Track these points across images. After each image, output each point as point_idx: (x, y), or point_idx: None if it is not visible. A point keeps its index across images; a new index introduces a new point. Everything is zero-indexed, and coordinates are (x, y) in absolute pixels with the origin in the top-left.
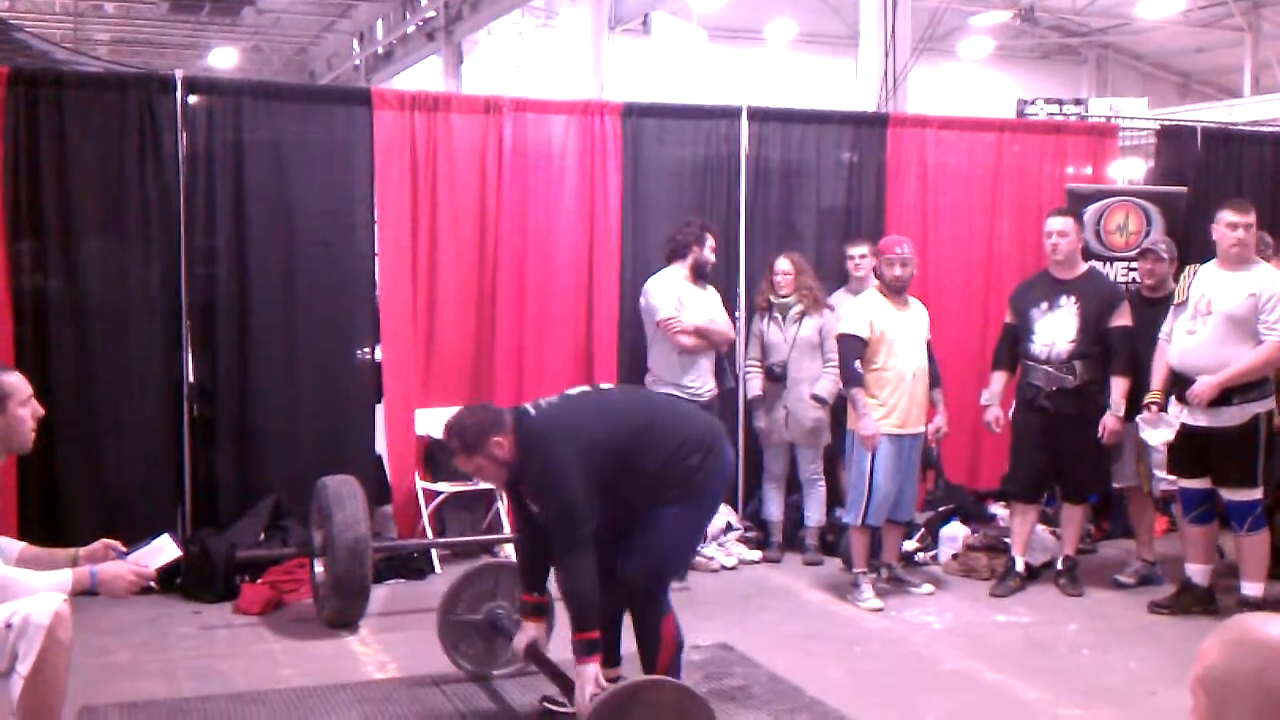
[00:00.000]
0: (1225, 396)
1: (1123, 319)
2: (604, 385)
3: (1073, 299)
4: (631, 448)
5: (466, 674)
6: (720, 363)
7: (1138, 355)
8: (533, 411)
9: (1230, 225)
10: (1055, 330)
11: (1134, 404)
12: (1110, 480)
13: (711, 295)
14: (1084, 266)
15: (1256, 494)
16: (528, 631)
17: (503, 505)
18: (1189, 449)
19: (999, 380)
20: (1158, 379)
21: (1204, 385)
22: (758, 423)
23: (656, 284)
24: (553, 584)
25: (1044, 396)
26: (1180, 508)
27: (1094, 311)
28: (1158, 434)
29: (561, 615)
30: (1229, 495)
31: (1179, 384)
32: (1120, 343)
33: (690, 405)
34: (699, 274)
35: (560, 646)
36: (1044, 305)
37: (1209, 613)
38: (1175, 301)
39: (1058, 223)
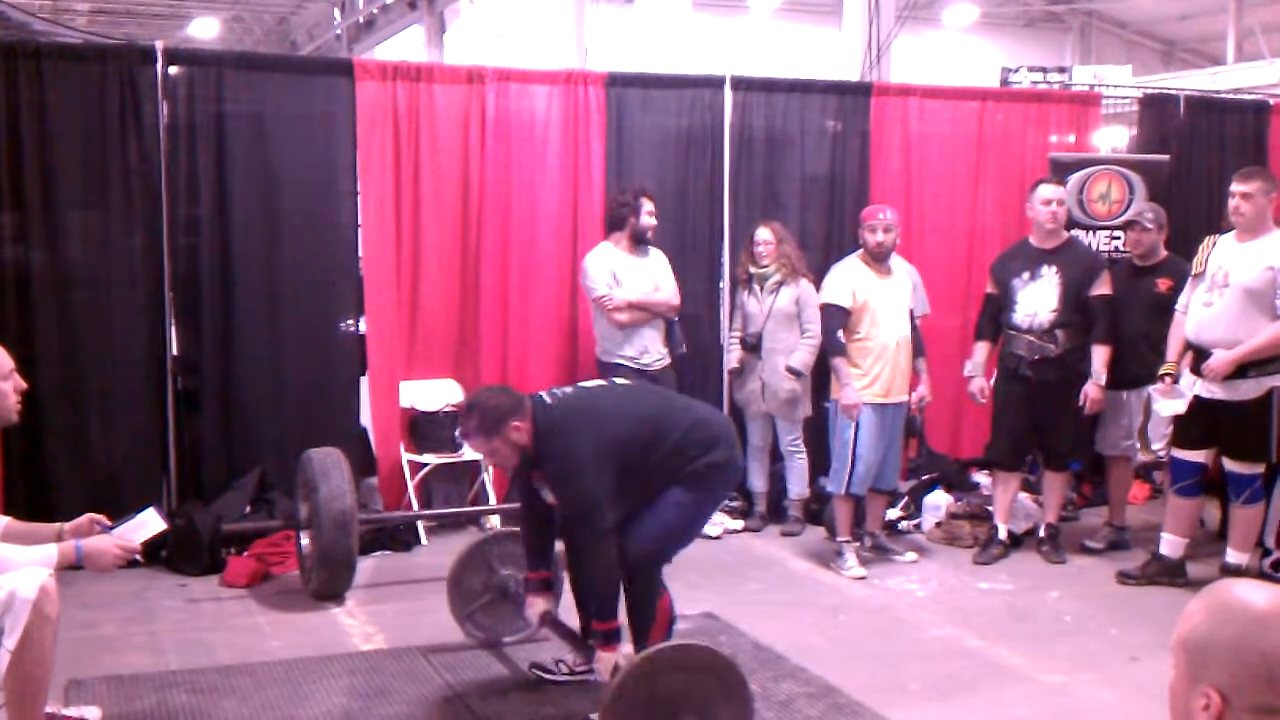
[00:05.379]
0: (1241, 370)
1: (1103, 288)
2: (617, 380)
3: (1054, 268)
4: (646, 442)
5: (478, 641)
6: (671, 330)
7: (1119, 323)
8: (549, 400)
9: (1230, 194)
10: (1037, 300)
11: (1114, 372)
12: (1091, 447)
13: (654, 261)
14: (1064, 235)
15: (1260, 468)
16: (537, 603)
17: (488, 476)
18: (1198, 420)
19: (982, 351)
20: (1173, 351)
21: (1219, 360)
22: (735, 394)
23: (591, 260)
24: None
25: (1026, 366)
26: (1168, 477)
27: (1075, 281)
28: (1171, 405)
29: (566, 591)
30: (1232, 467)
31: (1195, 356)
32: (1101, 311)
33: (701, 403)
34: (639, 241)
35: (566, 615)
36: (1025, 275)
37: (1176, 584)
38: (1193, 272)
39: (1058, 191)
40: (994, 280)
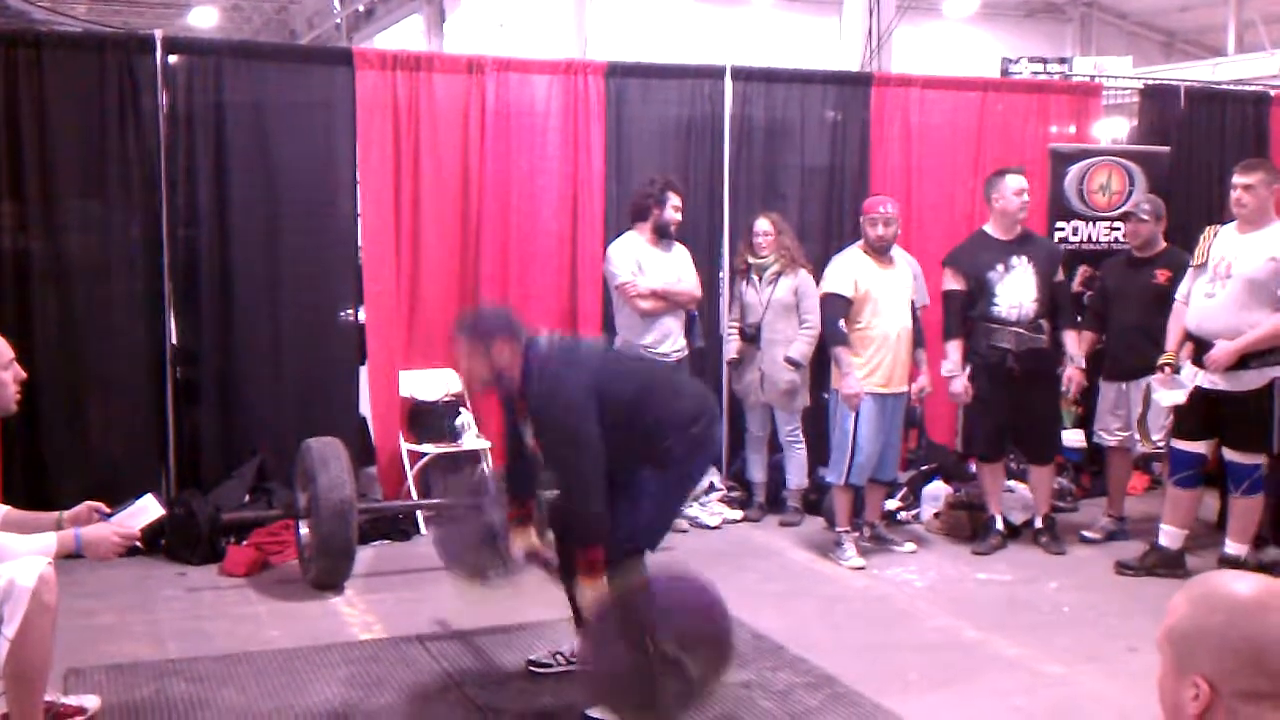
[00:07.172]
0: (1243, 360)
1: (1061, 274)
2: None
3: (1024, 258)
4: (630, 405)
5: (466, 579)
6: (690, 322)
7: (1115, 314)
8: (543, 340)
9: (1232, 185)
10: (1018, 291)
11: (1113, 363)
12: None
13: (677, 255)
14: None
15: (1261, 458)
16: (519, 540)
17: (487, 467)
18: (1199, 411)
19: (957, 349)
20: (1173, 341)
21: (1222, 351)
22: (734, 385)
23: (616, 249)
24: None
25: (1014, 358)
26: (1167, 468)
27: (1046, 269)
28: (1171, 395)
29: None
30: (1233, 457)
31: (1196, 346)
32: (1064, 297)
33: (684, 377)
34: (662, 234)
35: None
36: (1000, 267)
37: (1175, 575)
38: (1194, 263)
39: (1025, 181)
40: (962, 274)
